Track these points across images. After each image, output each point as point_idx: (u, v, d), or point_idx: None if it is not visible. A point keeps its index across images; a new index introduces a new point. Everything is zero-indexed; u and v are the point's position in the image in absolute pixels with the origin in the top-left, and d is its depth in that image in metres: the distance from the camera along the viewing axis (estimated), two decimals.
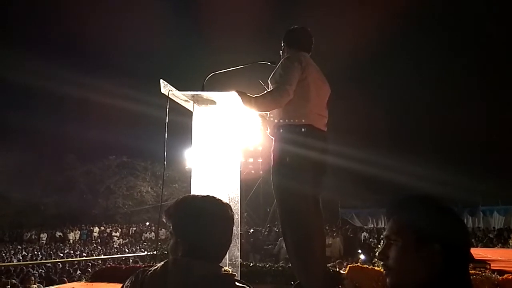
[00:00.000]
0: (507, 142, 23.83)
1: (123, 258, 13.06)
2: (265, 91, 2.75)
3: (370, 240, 15.02)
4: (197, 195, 1.48)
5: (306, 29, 3.05)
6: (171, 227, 1.39)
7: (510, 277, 3.24)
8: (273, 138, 2.83)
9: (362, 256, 10.32)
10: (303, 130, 2.69)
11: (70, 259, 14.11)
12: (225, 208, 1.43)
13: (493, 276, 3.30)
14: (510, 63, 27.70)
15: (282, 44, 3.04)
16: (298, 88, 2.71)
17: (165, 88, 2.70)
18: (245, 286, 1.34)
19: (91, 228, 27.42)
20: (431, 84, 31.94)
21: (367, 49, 27.85)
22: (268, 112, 2.90)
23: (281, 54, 3.06)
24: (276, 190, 2.72)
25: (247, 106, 2.67)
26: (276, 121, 2.78)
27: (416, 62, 31.68)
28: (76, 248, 20.73)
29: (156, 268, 1.36)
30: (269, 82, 2.85)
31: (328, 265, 3.48)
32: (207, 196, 1.46)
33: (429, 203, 1.10)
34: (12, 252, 18.71)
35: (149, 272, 1.36)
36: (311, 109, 2.75)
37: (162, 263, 1.37)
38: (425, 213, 1.08)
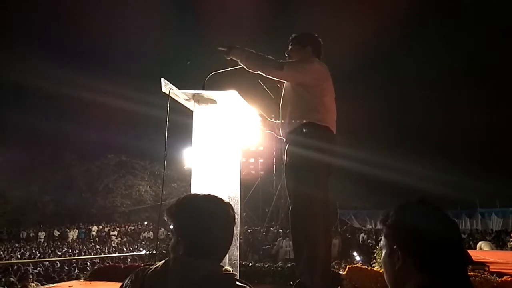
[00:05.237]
0: (506, 144, 23.89)
1: (121, 257, 13.03)
2: (273, 58, 2.77)
3: (369, 241, 15.00)
4: (199, 194, 1.46)
5: (320, 40, 3.08)
6: (172, 226, 1.39)
7: (509, 279, 3.25)
8: (286, 140, 2.86)
9: (357, 258, 10.31)
10: (323, 132, 2.75)
11: (68, 257, 14.07)
12: (226, 207, 1.42)
13: (492, 278, 3.31)
14: (509, 62, 27.73)
15: (299, 43, 3.01)
16: (319, 92, 2.79)
17: (166, 86, 2.70)
18: (245, 285, 1.32)
19: (90, 227, 27.42)
20: (430, 85, 32.02)
21: (368, 49, 27.90)
22: (280, 115, 2.93)
23: (290, 47, 3.02)
24: (291, 189, 2.76)
25: (235, 58, 2.75)
26: (294, 121, 2.81)
27: (415, 62, 31.75)
28: (74, 246, 20.70)
29: (157, 267, 1.35)
30: (286, 55, 2.97)
31: None
32: (209, 195, 1.45)
33: (410, 213, 1.10)
34: (10, 250, 18.68)
35: (150, 271, 1.35)
36: (329, 113, 2.83)
37: (163, 261, 1.36)
38: (400, 222, 1.10)
